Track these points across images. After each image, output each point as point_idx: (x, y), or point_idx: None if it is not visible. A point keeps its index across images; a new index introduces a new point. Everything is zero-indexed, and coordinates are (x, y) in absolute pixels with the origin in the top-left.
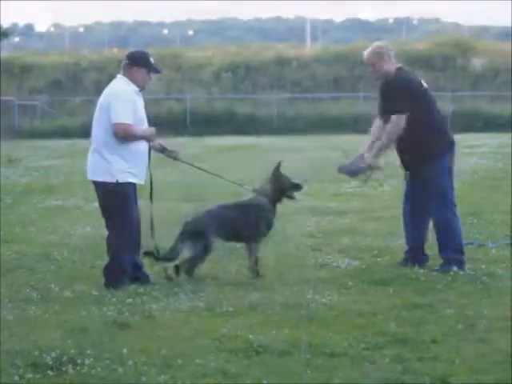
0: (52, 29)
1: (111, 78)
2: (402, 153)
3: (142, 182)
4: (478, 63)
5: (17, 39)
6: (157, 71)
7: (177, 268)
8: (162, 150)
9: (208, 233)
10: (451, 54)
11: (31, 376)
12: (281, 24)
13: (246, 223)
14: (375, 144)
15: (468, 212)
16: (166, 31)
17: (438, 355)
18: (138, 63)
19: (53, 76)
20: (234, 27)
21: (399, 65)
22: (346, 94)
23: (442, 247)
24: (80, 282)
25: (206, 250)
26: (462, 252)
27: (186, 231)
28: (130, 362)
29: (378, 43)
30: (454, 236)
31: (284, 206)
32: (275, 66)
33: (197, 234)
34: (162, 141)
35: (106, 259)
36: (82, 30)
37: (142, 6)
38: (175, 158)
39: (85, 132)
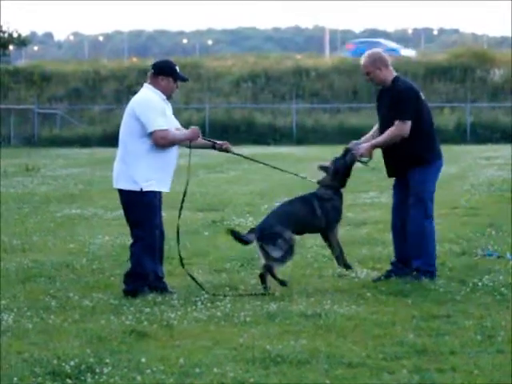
0: (71, 37)
1: (130, 87)
2: (390, 158)
3: (168, 190)
4: (497, 74)
5: (36, 48)
6: (183, 79)
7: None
8: (213, 145)
9: (287, 232)
10: (470, 65)
11: None
12: (299, 34)
13: (316, 216)
14: (373, 140)
15: (486, 223)
16: (185, 40)
17: (457, 366)
18: (163, 72)
19: (72, 84)
20: (252, 37)
21: (395, 74)
22: (365, 104)
23: (414, 257)
24: (99, 291)
25: (292, 250)
26: (433, 264)
27: (266, 230)
28: (149, 371)
29: (375, 50)
30: (428, 247)
31: None
32: (294, 75)
33: (276, 234)
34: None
35: (126, 267)
36: (101, 38)
37: (162, 15)
38: (227, 150)
39: (104, 141)
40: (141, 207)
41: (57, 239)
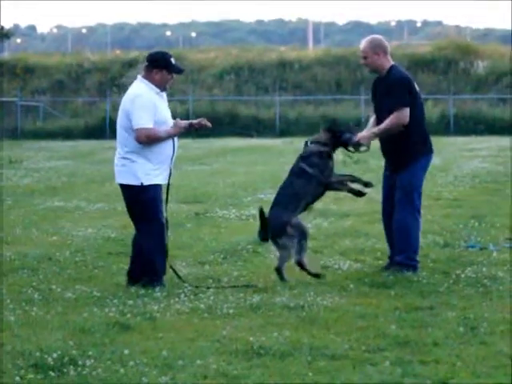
0: (54, 30)
1: (114, 79)
2: (386, 151)
3: (165, 182)
4: (480, 66)
5: (19, 40)
6: (179, 71)
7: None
8: (189, 126)
9: (293, 218)
10: (453, 57)
11: (32, 377)
12: (283, 26)
13: (312, 178)
14: (373, 128)
15: (469, 215)
16: (168, 33)
17: (439, 358)
18: (158, 65)
19: (55, 77)
20: (236, 29)
21: (393, 63)
22: (348, 96)
23: (397, 251)
24: (82, 283)
25: (305, 232)
26: (415, 259)
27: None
28: (132, 363)
29: (376, 36)
30: (411, 241)
31: None
32: (277, 68)
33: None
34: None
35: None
36: (84, 31)
37: (145, 7)
38: (205, 126)
39: (87, 133)
40: (143, 201)
41: (39, 232)
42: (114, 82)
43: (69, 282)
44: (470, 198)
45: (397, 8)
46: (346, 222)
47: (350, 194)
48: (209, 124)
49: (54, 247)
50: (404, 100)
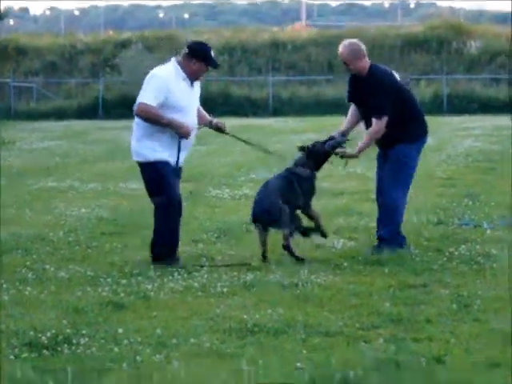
0: (47, 12)
1: (107, 60)
2: (380, 142)
3: (175, 166)
4: (473, 46)
5: (12, 22)
6: (215, 66)
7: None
8: (210, 121)
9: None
10: (447, 37)
11: (27, 355)
12: (276, 7)
13: (296, 194)
14: (360, 143)
15: (463, 194)
16: (161, 14)
17: (433, 335)
18: (197, 56)
19: (48, 58)
20: (228, 11)
21: (369, 61)
22: (341, 76)
23: (382, 226)
24: (75, 263)
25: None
26: (397, 235)
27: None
28: (126, 342)
29: (352, 41)
30: (397, 218)
31: None
32: (270, 48)
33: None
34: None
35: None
36: (77, 13)
37: None
38: (222, 131)
39: (80, 114)
40: (152, 178)
41: (33, 212)
42: (107, 63)
43: (62, 261)
44: (463, 176)
45: None
46: (340, 201)
47: (342, 174)
48: (226, 130)
49: (48, 227)
50: (384, 109)
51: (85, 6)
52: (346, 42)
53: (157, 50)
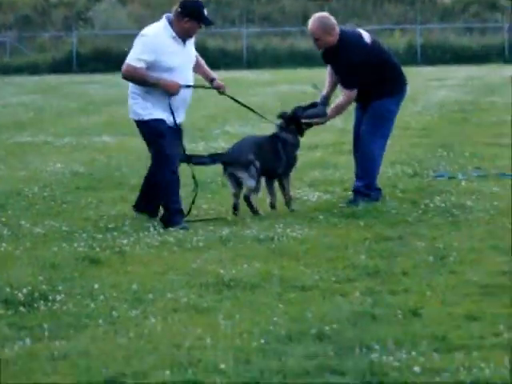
0: None
1: (80, 13)
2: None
3: (172, 126)
4: None
5: None
6: (209, 23)
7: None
8: (211, 80)
9: (257, 161)
10: None
11: (3, 312)
12: None
13: (278, 159)
14: (332, 109)
15: (437, 144)
16: None
17: (409, 287)
18: (190, 15)
19: (21, 12)
20: None
21: (338, 33)
22: None
23: (359, 178)
24: (51, 218)
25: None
26: (372, 188)
27: (233, 160)
28: (102, 298)
29: (322, 15)
30: (373, 171)
31: None
32: (244, 0)
33: (247, 163)
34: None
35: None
36: None
37: None
38: (222, 92)
39: (54, 68)
40: (148, 135)
41: (7, 167)
42: (81, 16)
43: (37, 217)
44: (437, 127)
45: None
46: (315, 154)
47: (318, 127)
48: (226, 92)
49: (22, 182)
50: (352, 82)
51: None
52: (315, 17)
53: (130, 2)
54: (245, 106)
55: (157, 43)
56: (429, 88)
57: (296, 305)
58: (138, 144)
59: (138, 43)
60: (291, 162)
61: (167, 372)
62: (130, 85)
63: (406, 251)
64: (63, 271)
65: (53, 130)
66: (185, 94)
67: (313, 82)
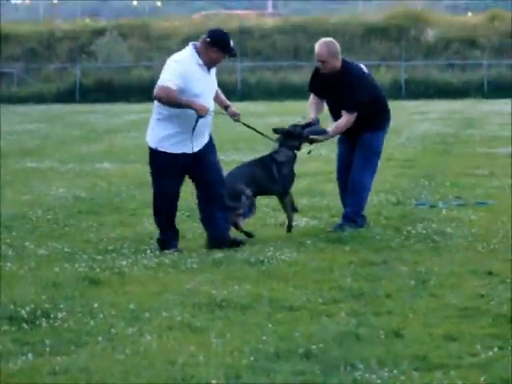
0: (27, 1)
1: (83, 46)
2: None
3: (190, 151)
4: (430, 34)
5: None
6: (233, 55)
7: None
8: (226, 107)
9: (247, 190)
10: (405, 25)
11: (7, 328)
12: None
13: (273, 179)
14: (329, 131)
15: (420, 175)
16: (135, 3)
17: (392, 309)
18: (217, 45)
19: (28, 45)
20: None
21: (340, 59)
22: (305, 62)
23: (348, 205)
24: (54, 240)
25: (254, 206)
26: (359, 215)
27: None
28: (101, 316)
29: (329, 40)
30: (362, 200)
31: None
32: (238, 35)
33: (238, 193)
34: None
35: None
36: (55, 1)
37: None
38: (236, 120)
39: (58, 98)
40: (155, 167)
41: (13, 191)
42: (84, 50)
43: (41, 238)
44: (420, 158)
45: None
46: (303, 182)
47: (304, 157)
48: (240, 119)
49: (27, 206)
50: (355, 106)
51: None
52: (323, 41)
53: (130, 37)
54: (257, 131)
55: (185, 69)
56: (412, 121)
57: (284, 324)
58: (137, 171)
59: (168, 68)
60: (287, 180)
61: None
62: (155, 111)
63: (390, 275)
64: (65, 290)
65: (57, 157)
66: (208, 119)
67: (303, 116)
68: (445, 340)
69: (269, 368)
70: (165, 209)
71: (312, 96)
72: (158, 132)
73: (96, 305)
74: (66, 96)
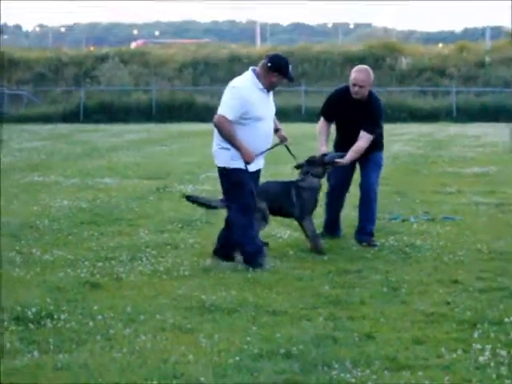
0: (37, 29)
1: (88, 72)
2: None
3: (254, 168)
4: (404, 62)
5: (5, 37)
6: (291, 80)
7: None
8: (276, 130)
9: (261, 203)
10: (381, 54)
11: (14, 328)
12: (235, 26)
13: (291, 202)
14: (352, 152)
15: (393, 191)
16: (135, 31)
17: (366, 314)
18: (279, 70)
19: (37, 69)
20: (193, 29)
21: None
22: (290, 87)
23: (368, 221)
24: (58, 248)
25: (266, 219)
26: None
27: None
28: (100, 317)
29: (368, 67)
30: (375, 212)
31: None
32: (229, 62)
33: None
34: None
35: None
36: (63, 29)
37: (116, 9)
38: (281, 141)
39: (64, 118)
40: (230, 183)
41: (21, 203)
42: (88, 74)
43: (47, 246)
44: (393, 177)
45: (333, 12)
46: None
47: (290, 171)
48: (285, 143)
49: (34, 216)
50: (376, 129)
51: (70, 24)
52: (363, 68)
53: (130, 63)
54: (294, 157)
55: (248, 95)
56: (387, 142)
57: (267, 327)
58: (135, 184)
59: (229, 95)
60: (306, 205)
61: (155, 383)
62: (215, 132)
63: (364, 283)
64: (67, 294)
65: (61, 172)
66: (267, 142)
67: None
68: (413, 343)
69: (253, 367)
70: (247, 222)
71: (322, 120)
72: (224, 152)
73: (96, 307)
74: (71, 116)
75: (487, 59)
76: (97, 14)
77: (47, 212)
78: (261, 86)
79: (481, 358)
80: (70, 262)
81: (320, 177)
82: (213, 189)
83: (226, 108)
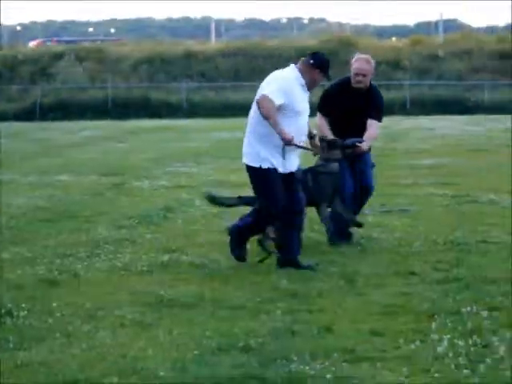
0: None
1: (44, 69)
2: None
3: (283, 171)
4: None
5: None
6: (329, 79)
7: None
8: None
9: None
10: (336, 49)
11: None
12: (190, 23)
13: (307, 188)
14: (367, 140)
15: None
16: (91, 29)
17: (324, 307)
18: (322, 68)
19: None
20: (149, 26)
21: None
22: (246, 83)
23: (363, 207)
24: (16, 246)
25: None
26: None
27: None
28: (59, 314)
29: (370, 56)
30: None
31: (192, 180)
32: (185, 59)
33: None
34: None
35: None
36: (19, 28)
37: (71, 7)
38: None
39: (20, 116)
40: (260, 181)
41: None
42: (44, 72)
43: (4, 244)
44: None
45: (286, 6)
46: (245, 192)
47: None
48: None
49: None
50: (382, 117)
51: (25, 22)
52: (366, 57)
53: (86, 60)
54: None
55: (290, 88)
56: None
57: (226, 321)
58: (91, 182)
59: (274, 83)
60: (322, 190)
61: (115, 378)
62: (248, 129)
63: (321, 276)
64: (26, 291)
65: (19, 170)
66: (301, 138)
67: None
68: (371, 334)
69: (212, 361)
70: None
71: (320, 116)
72: (259, 151)
73: (54, 304)
74: (27, 114)
75: (440, 52)
76: (51, 12)
77: (4, 210)
78: (303, 82)
79: (439, 349)
80: (28, 259)
81: (339, 161)
82: (170, 184)
83: (271, 91)
